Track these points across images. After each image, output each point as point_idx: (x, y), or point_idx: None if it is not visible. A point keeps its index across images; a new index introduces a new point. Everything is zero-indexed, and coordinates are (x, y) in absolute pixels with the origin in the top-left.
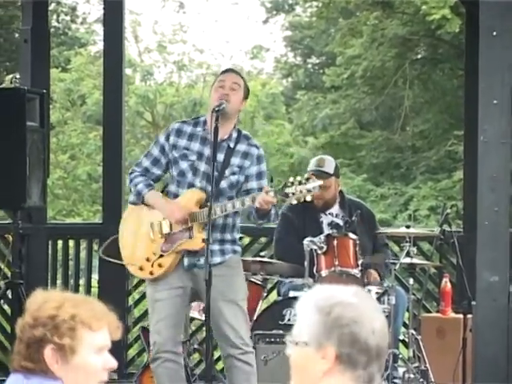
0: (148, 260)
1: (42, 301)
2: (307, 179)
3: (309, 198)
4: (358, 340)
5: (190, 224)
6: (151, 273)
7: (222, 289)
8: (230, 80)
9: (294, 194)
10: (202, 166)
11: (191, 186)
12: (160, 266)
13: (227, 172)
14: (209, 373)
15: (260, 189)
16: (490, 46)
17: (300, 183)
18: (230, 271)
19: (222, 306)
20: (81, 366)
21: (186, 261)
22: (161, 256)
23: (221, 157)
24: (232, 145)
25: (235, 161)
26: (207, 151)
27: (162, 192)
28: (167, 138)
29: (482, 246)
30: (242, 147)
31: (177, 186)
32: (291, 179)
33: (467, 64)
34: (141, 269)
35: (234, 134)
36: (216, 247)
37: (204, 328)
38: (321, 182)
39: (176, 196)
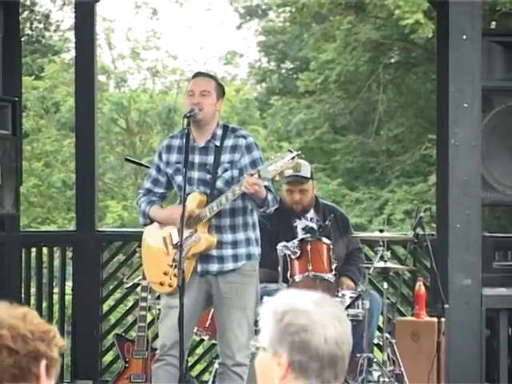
0: (166, 274)
1: (20, 313)
2: (284, 154)
3: (289, 172)
4: (309, 347)
5: (194, 227)
6: (170, 285)
7: (231, 296)
8: (199, 88)
9: (275, 170)
10: (195, 174)
11: None
12: (176, 276)
13: (219, 171)
14: (183, 379)
15: None
16: (460, 49)
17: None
18: (242, 279)
19: (230, 312)
20: (53, 381)
21: (198, 267)
22: (176, 266)
23: (211, 158)
24: (218, 143)
25: (225, 157)
26: (196, 158)
27: None
28: (160, 157)
29: (454, 249)
30: (229, 142)
31: (180, 199)
32: (272, 157)
33: (439, 67)
34: (161, 284)
35: (219, 132)
36: (229, 251)
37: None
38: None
39: None
